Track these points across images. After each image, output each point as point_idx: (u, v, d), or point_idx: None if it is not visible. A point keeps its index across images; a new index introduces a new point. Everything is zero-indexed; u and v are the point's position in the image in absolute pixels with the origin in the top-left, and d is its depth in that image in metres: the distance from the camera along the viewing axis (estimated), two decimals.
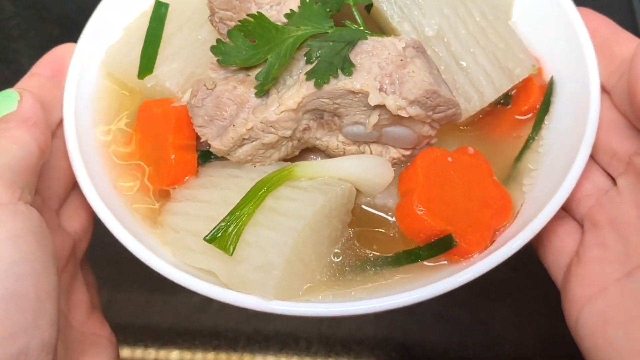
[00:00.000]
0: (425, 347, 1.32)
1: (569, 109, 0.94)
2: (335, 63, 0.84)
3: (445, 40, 0.91)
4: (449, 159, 0.90)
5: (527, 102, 0.98)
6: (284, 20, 0.90)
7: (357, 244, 0.91)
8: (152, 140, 0.95)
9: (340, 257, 0.89)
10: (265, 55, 0.88)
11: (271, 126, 0.86)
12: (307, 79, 0.84)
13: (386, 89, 0.83)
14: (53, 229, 0.87)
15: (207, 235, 0.81)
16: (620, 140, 0.89)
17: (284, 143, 0.90)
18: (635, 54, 0.79)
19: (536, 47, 1.01)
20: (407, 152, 0.92)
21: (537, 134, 0.96)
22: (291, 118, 0.86)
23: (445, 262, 0.88)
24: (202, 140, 0.91)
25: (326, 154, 0.94)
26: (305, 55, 0.86)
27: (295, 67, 0.88)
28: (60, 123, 0.93)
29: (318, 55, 0.85)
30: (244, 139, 0.88)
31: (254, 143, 0.89)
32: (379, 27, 0.95)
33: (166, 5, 1.02)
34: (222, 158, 0.93)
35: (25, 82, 0.92)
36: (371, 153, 0.91)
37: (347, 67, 0.84)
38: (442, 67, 0.91)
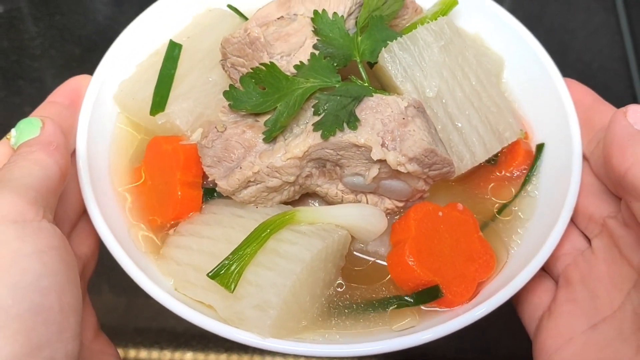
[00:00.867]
0: (426, 350, 1.34)
1: (552, 173, 0.98)
2: (341, 117, 0.87)
3: (444, 101, 0.95)
4: (440, 213, 0.93)
5: (512, 164, 1.01)
6: (293, 71, 0.93)
7: (349, 288, 0.93)
8: (160, 175, 0.96)
9: (333, 300, 0.91)
10: (275, 104, 0.90)
11: (276, 171, 0.89)
12: (315, 130, 0.87)
13: (388, 145, 0.86)
14: None
15: (210, 272, 0.83)
16: (597, 204, 0.93)
17: (286, 188, 0.92)
18: (612, 121, 0.84)
19: (524, 112, 1.06)
20: (401, 204, 0.94)
21: (522, 192, 1.00)
22: (296, 165, 0.88)
23: (437, 308, 0.91)
24: (209, 179, 0.93)
25: (325, 200, 0.96)
26: (313, 107, 0.89)
27: (303, 117, 0.91)
28: (74, 151, 0.95)
29: (325, 108, 0.88)
30: (249, 181, 0.90)
31: (258, 186, 0.91)
32: (381, 84, 0.98)
33: (180, 46, 1.04)
34: (226, 197, 0.95)
35: (44, 109, 0.94)
36: (367, 202, 0.94)
37: (353, 122, 0.87)
38: (440, 127, 0.94)
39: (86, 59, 1.72)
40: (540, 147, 1.02)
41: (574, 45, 1.78)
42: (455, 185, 1.01)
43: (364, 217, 0.91)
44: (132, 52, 1.07)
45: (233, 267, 0.83)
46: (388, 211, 0.94)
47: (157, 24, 1.10)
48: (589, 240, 0.94)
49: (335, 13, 0.97)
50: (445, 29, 0.97)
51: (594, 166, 0.94)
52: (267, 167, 0.89)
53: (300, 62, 0.93)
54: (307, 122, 0.90)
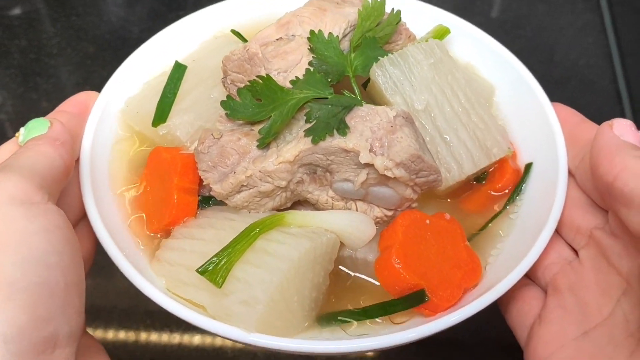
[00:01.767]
0: None
1: (539, 188, 0.98)
2: (331, 124, 0.88)
3: (432, 115, 0.95)
4: (427, 221, 0.92)
5: (501, 182, 1.01)
6: (289, 86, 0.95)
7: (337, 292, 0.92)
8: (158, 182, 0.97)
9: (320, 302, 0.91)
10: (269, 113, 0.92)
11: (268, 175, 0.89)
12: (305, 136, 0.88)
13: (376, 150, 0.87)
14: None
15: (199, 268, 0.83)
16: (583, 216, 0.92)
17: (278, 193, 0.92)
18: (598, 133, 0.84)
19: (513, 133, 1.06)
20: (390, 213, 0.94)
21: (508, 207, 1.00)
22: (287, 170, 0.89)
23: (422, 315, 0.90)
24: (204, 184, 0.94)
25: (316, 207, 0.96)
26: (305, 115, 0.90)
27: (295, 126, 0.92)
28: (78, 158, 0.96)
29: (317, 115, 0.89)
30: (242, 186, 0.91)
31: (251, 190, 0.91)
32: (373, 101, 0.99)
33: (184, 67, 1.07)
34: (221, 203, 0.96)
35: (54, 115, 0.96)
36: (357, 210, 0.94)
37: (342, 128, 0.88)
38: (428, 139, 0.94)
39: (100, 57, 1.79)
40: (528, 166, 1.02)
41: (561, 43, 1.82)
42: (444, 199, 1.01)
43: (353, 223, 0.91)
44: (140, 72, 1.10)
45: (222, 264, 0.83)
46: (377, 219, 0.94)
47: (165, 47, 1.13)
48: (576, 252, 0.93)
49: (330, 33, 0.99)
50: (435, 49, 0.99)
51: (580, 180, 0.94)
52: (260, 171, 0.89)
53: (297, 77, 0.95)
54: (300, 130, 0.91)
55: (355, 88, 0.95)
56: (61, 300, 0.69)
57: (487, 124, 0.99)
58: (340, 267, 0.94)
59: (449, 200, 1.01)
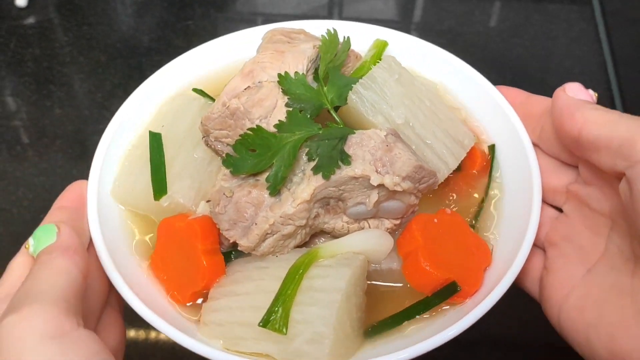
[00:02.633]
0: None
1: (513, 169, 1.07)
2: (334, 157, 0.93)
3: (411, 124, 1.02)
4: (435, 220, 0.99)
5: (474, 167, 1.10)
6: (274, 129, 0.98)
7: (373, 307, 0.98)
8: (177, 252, 0.98)
9: (363, 320, 0.96)
10: (270, 161, 0.95)
11: (289, 218, 0.93)
12: (315, 173, 0.92)
13: (380, 170, 0.92)
14: None
15: (260, 322, 0.86)
16: (556, 177, 1.03)
17: (299, 232, 0.96)
18: (554, 98, 0.95)
19: (471, 121, 1.16)
20: (398, 222, 1.00)
21: (489, 190, 1.09)
22: (306, 209, 0.93)
23: (447, 307, 0.97)
24: (225, 243, 0.96)
25: (332, 235, 1.01)
26: (306, 155, 0.94)
27: (297, 166, 0.96)
28: (88, 247, 0.95)
29: (318, 152, 0.94)
30: (266, 234, 0.94)
31: (275, 236, 0.94)
32: (351, 124, 1.04)
33: (159, 135, 1.07)
34: (242, 255, 0.98)
35: (55, 214, 0.94)
36: (369, 227, 1.00)
37: (345, 158, 0.93)
38: (414, 147, 1.01)
39: (111, 66, 1.85)
40: (492, 147, 1.11)
41: (556, 52, 1.91)
42: (433, 197, 1.08)
43: (374, 240, 0.96)
44: (115, 146, 1.09)
45: (280, 312, 0.86)
46: (388, 230, 1.00)
47: (130, 117, 1.12)
48: (559, 210, 1.03)
49: (296, 72, 1.03)
50: (393, 65, 1.06)
51: (545, 148, 1.04)
52: (281, 216, 0.93)
53: (279, 120, 0.99)
54: (303, 170, 0.95)
55: (337, 118, 1.00)
56: None
57: (452, 120, 1.08)
58: (369, 282, 0.99)
59: (433, 196, 1.09)
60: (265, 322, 0.86)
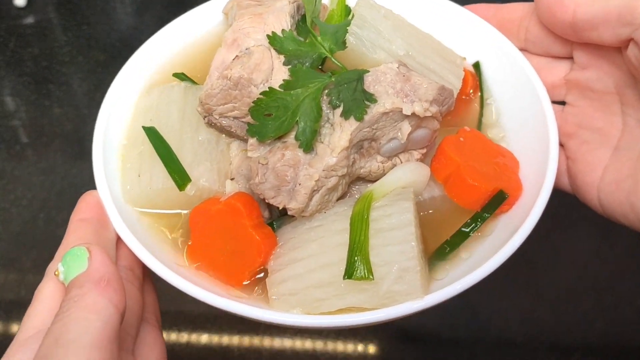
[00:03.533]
0: (421, 328, 1.40)
1: (508, 77, 1.08)
2: (358, 98, 0.90)
3: (411, 54, 1.01)
4: (461, 139, 0.99)
5: (467, 86, 1.10)
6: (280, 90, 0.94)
7: (430, 235, 0.96)
8: (220, 237, 0.91)
9: (423, 250, 0.94)
10: (293, 120, 0.90)
11: (332, 169, 0.89)
12: (346, 118, 0.89)
13: (406, 100, 0.91)
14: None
15: (344, 275, 0.82)
16: (551, 72, 1.05)
17: (341, 182, 0.92)
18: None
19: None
20: (424, 151, 0.99)
21: (484, 102, 1.10)
22: (345, 156, 0.90)
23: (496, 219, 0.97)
24: (280, 208, 0.90)
25: (368, 179, 0.98)
26: (329, 104, 0.91)
27: (322, 117, 0.92)
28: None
29: (340, 98, 0.90)
30: (313, 191, 0.89)
31: (321, 191, 0.90)
32: (354, 66, 1.01)
33: (153, 128, 0.99)
34: (284, 224, 0.94)
35: (79, 229, 0.86)
36: (401, 162, 0.98)
37: (370, 97, 0.90)
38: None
39: (110, 65, 1.85)
40: (476, 65, 1.12)
41: None
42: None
43: (414, 172, 0.94)
44: (109, 152, 1.00)
45: (359, 259, 0.83)
46: (419, 161, 0.99)
47: (109, 121, 1.03)
48: (562, 104, 1.06)
49: (283, 30, 0.99)
50: (372, 3, 1.04)
51: (534, 49, 1.06)
52: (324, 169, 0.89)
53: (284, 80, 0.94)
54: (329, 119, 0.91)
55: (338, 64, 0.97)
56: None
57: (439, 44, 1.07)
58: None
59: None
60: (349, 274, 0.82)
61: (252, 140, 0.91)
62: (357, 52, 0.99)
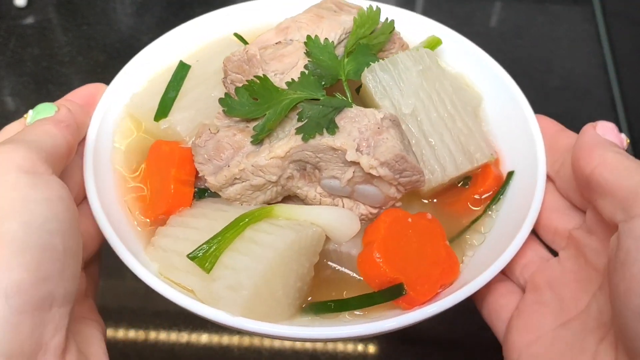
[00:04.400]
0: (420, 328, 1.33)
1: (519, 192, 0.98)
2: (322, 123, 0.89)
3: (419, 119, 0.96)
4: (409, 219, 0.93)
5: (483, 186, 1.01)
6: (285, 87, 0.96)
7: (320, 284, 0.93)
8: (157, 173, 0.98)
9: (305, 293, 0.91)
10: (264, 111, 0.93)
11: (260, 170, 0.90)
12: (297, 133, 0.89)
13: (362, 149, 0.88)
14: None
15: (190, 254, 0.84)
16: (562, 218, 0.93)
17: (269, 187, 0.93)
18: (582, 132, 0.86)
19: (498, 140, 1.07)
20: (375, 211, 0.95)
21: (489, 210, 1.00)
22: (278, 165, 0.90)
23: (397, 309, 0.90)
24: (199, 175, 0.95)
25: (304, 203, 0.97)
26: (297, 114, 0.92)
27: (288, 124, 0.93)
28: (80, 144, 0.98)
29: (308, 115, 0.91)
30: (235, 179, 0.92)
31: (243, 183, 0.92)
32: (364, 105, 1.00)
33: (188, 67, 1.08)
34: (216, 196, 0.97)
35: (61, 102, 0.98)
36: (343, 206, 0.95)
37: (332, 128, 0.89)
38: (413, 141, 0.95)
39: (110, 65, 1.83)
40: (510, 174, 1.02)
41: (558, 53, 1.83)
42: (429, 202, 1.02)
43: (338, 218, 0.92)
44: (146, 70, 1.11)
45: (211, 250, 0.84)
46: (362, 217, 0.95)
47: (171, 47, 1.15)
48: (555, 254, 0.94)
49: (326, 39, 1.00)
50: (424, 57, 1.00)
51: (559, 185, 0.95)
52: (252, 165, 0.90)
53: (292, 79, 0.96)
54: (292, 129, 0.92)
55: (347, 91, 0.97)
56: (60, 263, 0.71)
57: (471, 130, 1.00)
58: (325, 260, 0.95)
59: (435, 200, 1.02)
60: (193, 256, 0.84)
61: (220, 110, 0.96)
62: (366, 89, 0.98)
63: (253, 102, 0.94)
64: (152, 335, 1.42)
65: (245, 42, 1.15)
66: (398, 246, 0.90)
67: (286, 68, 1.00)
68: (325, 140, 0.88)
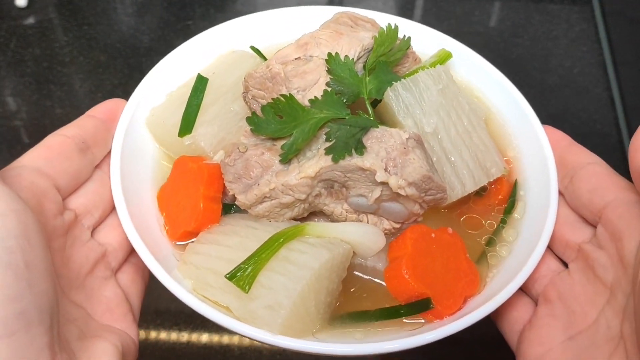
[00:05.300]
0: None
1: (533, 206, 1.03)
2: (350, 144, 0.92)
3: (439, 137, 1.00)
4: (433, 235, 0.96)
5: (498, 197, 1.06)
6: (307, 104, 0.98)
7: (347, 295, 0.96)
8: (184, 189, 0.99)
9: (333, 306, 0.94)
10: (291, 130, 0.95)
11: (290, 189, 0.93)
12: (326, 154, 0.91)
13: (390, 170, 0.90)
14: (82, 241, 0.92)
15: (228, 274, 0.86)
16: (572, 232, 0.97)
17: (297, 205, 0.95)
18: (636, 133, 0.85)
19: (507, 152, 1.11)
20: (398, 226, 0.98)
21: (504, 224, 1.04)
22: (307, 184, 0.92)
23: (423, 320, 0.94)
24: (229, 194, 0.97)
25: (330, 218, 1.00)
26: (325, 135, 0.94)
27: (315, 143, 0.95)
28: (104, 158, 0.99)
29: (336, 135, 0.93)
30: (265, 197, 0.94)
31: (272, 201, 0.94)
32: (383, 121, 1.03)
33: (206, 80, 1.09)
34: (242, 211, 0.99)
35: (84, 121, 0.98)
36: (368, 222, 0.98)
37: (360, 148, 0.91)
38: (435, 159, 0.99)
39: (111, 65, 1.82)
40: (514, 183, 1.07)
41: (556, 51, 1.85)
42: (447, 212, 1.05)
43: (365, 235, 0.95)
44: (163, 83, 1.12)
45: (248, 271, 0.86)
46: (386, 231, 0.98)
47: (186, 60, 1.15)
48: (565, 265, 0.98)
49: (346, 56, 1.02)
50: (442, 75, 1.03)
51: (569, 199, 0.99)
52: (282, 184, 0.93)
53: (315, 96, 0.98)
54: (319, 148, 0.94)
55: (369, 109, 0.99)
56: (25, 280, 0.68)
57: (487, 146, 1.04)
58: (354, 272, 0.98)
59: (449, 212, 1.05)
60: (232, 276, 0.86)
61: (248, 128, 0.97)
62: (388, 107, 1.00)
63: (279, 121, 0.95)
64: (153, 334, 1.43)
65: (262, 56, 1.16)
66: (424, 262, 0.94)
67: (308, 85, 1.02)
68: (354, 161, 0.91)
